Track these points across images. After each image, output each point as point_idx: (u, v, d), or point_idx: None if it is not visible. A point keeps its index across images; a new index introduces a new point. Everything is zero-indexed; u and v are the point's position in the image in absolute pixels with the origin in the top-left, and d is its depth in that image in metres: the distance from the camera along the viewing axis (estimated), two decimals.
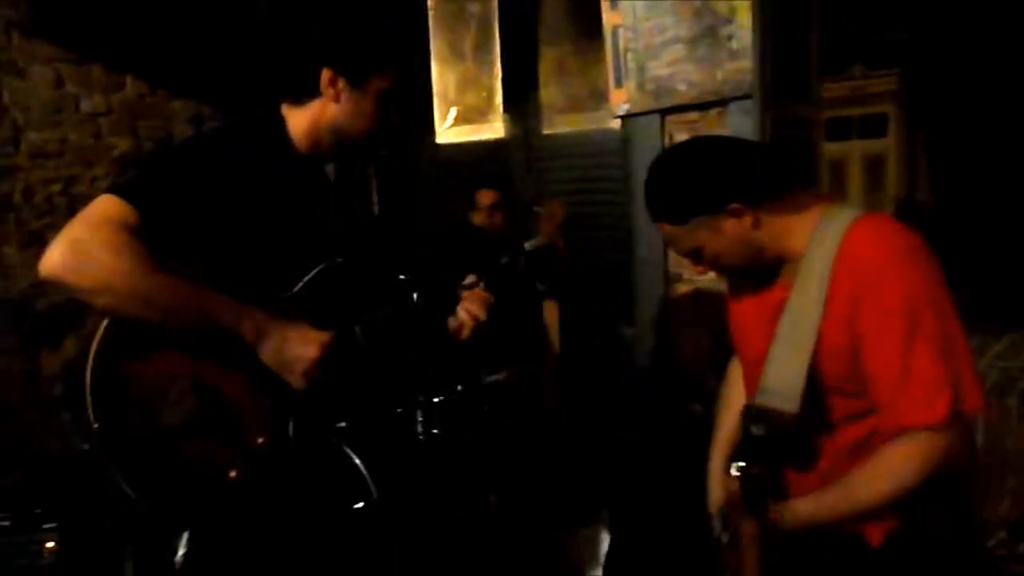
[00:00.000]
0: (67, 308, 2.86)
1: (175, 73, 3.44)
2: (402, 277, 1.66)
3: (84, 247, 1.28)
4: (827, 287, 1.32)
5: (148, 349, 1.34)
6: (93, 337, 1.31)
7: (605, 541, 2.51)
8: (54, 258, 1.28)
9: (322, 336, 1.41)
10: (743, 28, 2.54)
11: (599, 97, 3.35)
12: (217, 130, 1.77)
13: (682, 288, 2.86)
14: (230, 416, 1.38)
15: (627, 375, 3.09)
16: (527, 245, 1.75)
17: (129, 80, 3.36)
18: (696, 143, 1.58)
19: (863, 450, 1.35)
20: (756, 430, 1.31)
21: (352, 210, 1.70)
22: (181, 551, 1.50)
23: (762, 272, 1.45)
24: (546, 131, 3.75)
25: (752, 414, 1.34)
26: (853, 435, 1.37)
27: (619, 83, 2.86)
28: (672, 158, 1.49)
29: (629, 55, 2.81)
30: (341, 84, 1.46)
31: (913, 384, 1.25)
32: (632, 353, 3.07)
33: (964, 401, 1.25)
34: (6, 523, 2.30)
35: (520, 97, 3.77)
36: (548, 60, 3.72)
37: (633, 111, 2.85)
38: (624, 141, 3.03)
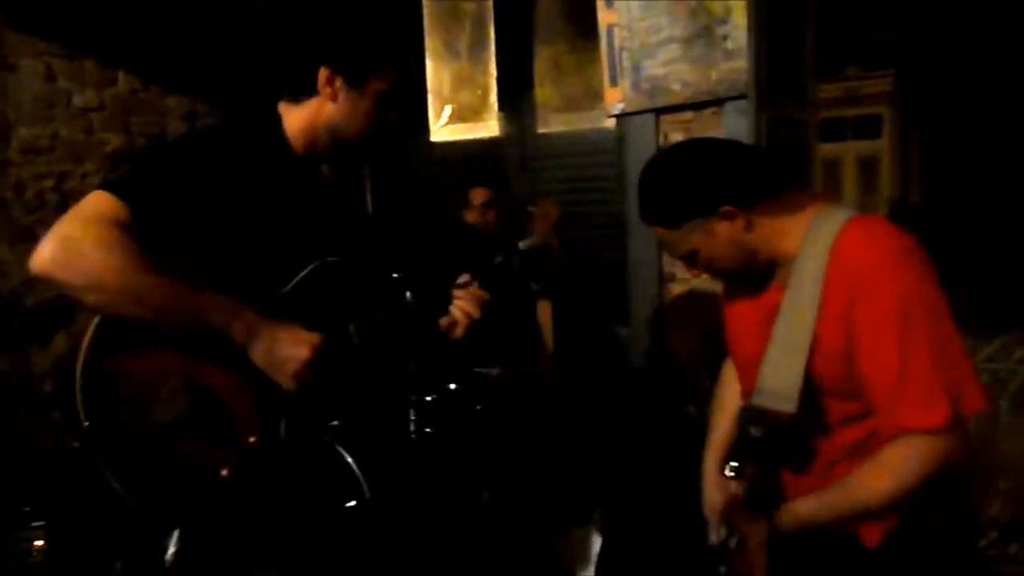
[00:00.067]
0: (57, 305, 2.84)
1: (169, 69, 3.42)
2: (396, 276, 1.66)
3: (75, 244, 1.27)
4: (821, 289, 1.31)
5: (139, 347, 1.33)
6: (84, 334, 1.30)
7: (597, 542, 2.50)
8: (45, 254, 1.27)
9: (313, 337, 1.40)
10: (738, 28, 2.55)
11: (594, 96, 3.35)
12: (211, 127, 1.76)
13: (676, 288, 2.86)
14: (222, 415, 1.37)
15: (621, 375, 3.09)
16: (521, 244, 1.75)
17: (122, 75, 3.34)
18: (687, 146, 1.58)
19: (861, 451, 1.35)
20: (754, 431, 1.31)
21: (346, 208, 1.69)
22: (171, 549, 1.49)
23: (756, 275, 1.45)
24: (541, 130, 3.75)
25: (750, 415, 1.33)
26: (851, 437, 1.37)
27: (614, 82, 2.86)
28: (663, 162, 1.49)
29: (624, 54, 2.80)
30: (339, 83, 1.45)
31: (910, 387, 1.24)
32: (626, 353, 3.07)
33: (964, 404, 1.25)
34: None
35: (515, 96, 3.77)
36: (543, 59, 3.72)
37: (628, 110, 2.85)
38: (619, 140, 3.03)
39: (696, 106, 2.71)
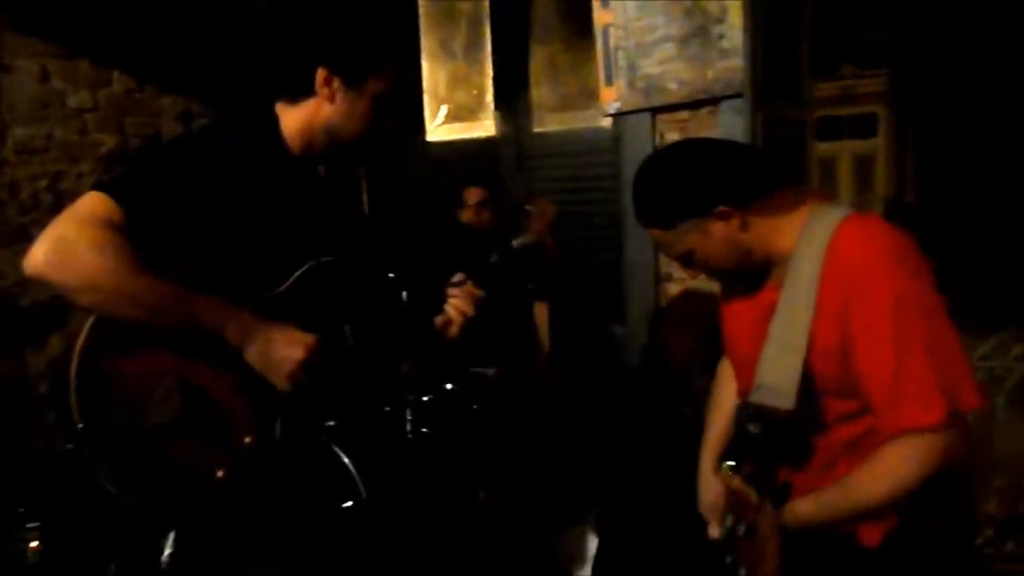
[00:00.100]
0: (52, 305, 2.83)
1: (163, 69, 3.41)
2: (392, 276, 1.65)
3: (69, 245, 1.27)
4: (817, 287, 1.32)
5: (133, 348, 1.32)
6: (78, 335, 1.29)
7: (592, 541, 2.50)
8: (38, 256, 1.27)
9: (308, 338, 1.40)
10: (734, 27, 2.55)
11: (590, 96, 3.35)
12: (207, 127, 1.75)
13: (672, 287, 2.86)
14: (217, 416, 1.37)
15: (617, 375, 3.09)
16: (515, 242, 1.75)
17: (116, 76, 3.33)
18: (681, 147, 1.58)
19: (858, 449, 1.35)
20: (752, 428, 1.31)
21: (342, 208, 1.69)
22: (167, 551, 1.49)
23: (752, 274, 1.45)
24: (537, 129, 3.75)
25: (747, 412, 1.33)
26: (847, 434, 1.37)
27: (610, 82, 2.86)
28: (657, 163, 1.49)
29: (620, 54, 2.80)
30: (336, 84, 1.45)
31: (906, 386, 1.24)
32: (622, 352, 3.07)
33: (960, 401, 1.25)
34: None
35: (511, 95, 3.77)
36: (539, 58, 3.72)
37: (624, 110, 2.85)
38: (615, 140, 3.03)
39: (692, 105, 2.71)
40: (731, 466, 1.40)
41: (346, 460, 1.62)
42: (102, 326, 1.30)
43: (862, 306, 1.27)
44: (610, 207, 3.12)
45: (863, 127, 5.22)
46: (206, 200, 1.36)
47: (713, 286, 1.68)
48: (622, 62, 2.80)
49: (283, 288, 1.45)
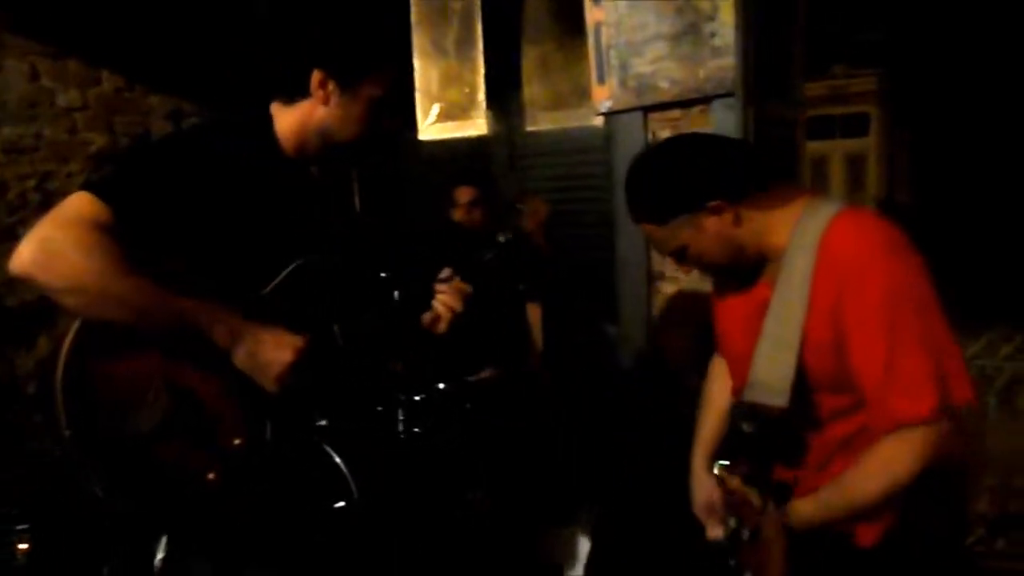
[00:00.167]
0: (40, 306, 2.81)
1: (153, 68, 3.39)
2: (383, 275, 1.65)
3: (55, 245, 1.25)
4: (810, 283, 1.31)
5: (121, 350, 1.31)
6: (64, 337, 1.28)
7: (584, 541, 2.50)
8: (24, 256, 1.25)
9: (297, 340, 1.39)
10: (726, 26, 2.54)
11: (582, 94, 3.34)
12: (198, 127, 1.74)
13: (665, 286, 2.86)
14: (205, 418, 1.36)
15: (611, 374, 3.08)
16: (500, 237, 1.74)
17: (106, 75, 3.30)
18: (673, 142, 1.58)
19: (851, 447, 1.35)
20: (746, 427, 1.30)
21: (334, 208, 1.68)
22: (160, 555, 1.48)
23: (746, 270, 1.45)
24: (529, 128, 3.75)
25: (741, 411, 1.33)
26: (841, 431, 1.37)
27: (602, 80, 2.85)
28: (650, 159, 1.48)
29: (612, 52, 2.80)
30: (331, 87, 1.44)
31: (899, 378, 1.24)
32: (615, 351, 3.07)
33: (953, 394, 1.25)
34: None
35: (503, 94, 3.76)
36: (531, 57, 3.71)
37: (616, 108, 2.85)
38: (607, 138, 3.03)
39: (684, 104, 2.71)
40: (724, 465, 1.40)
41: (338, 460, 1.61)
42: (89, 328, 1.29)
43: (855, 300, 1.27)
44: (602, 206, 3.12)
45: (855, 126, 5.23)
46: (196, 200, 1.35)
47: (706, 286, 1.67)
48: (614, 60, 2.80)
49: (270, 288, 1.44)
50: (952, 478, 1.37)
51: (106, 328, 1.29)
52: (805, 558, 1.35)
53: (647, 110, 2.78)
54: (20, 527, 2.26)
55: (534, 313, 3.03)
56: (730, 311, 1.54)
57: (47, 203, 2.97)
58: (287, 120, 1.48)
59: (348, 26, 1.45)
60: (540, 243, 2.93)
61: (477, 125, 3.81)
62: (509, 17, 3.71)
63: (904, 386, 1.24)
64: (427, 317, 1.60)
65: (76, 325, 1.29)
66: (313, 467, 1.56)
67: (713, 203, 1.36)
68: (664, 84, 2.70)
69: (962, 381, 1.26)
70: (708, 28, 2.58)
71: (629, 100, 2.80)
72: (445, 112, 3.85)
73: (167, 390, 1.33)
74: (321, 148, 1.49)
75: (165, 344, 1.33)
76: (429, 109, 3.86)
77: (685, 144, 1.51)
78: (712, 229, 1.38)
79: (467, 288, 1.60)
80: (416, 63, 3.82)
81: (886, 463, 1.27)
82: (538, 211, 2.94)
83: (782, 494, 1.34)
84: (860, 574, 1.37)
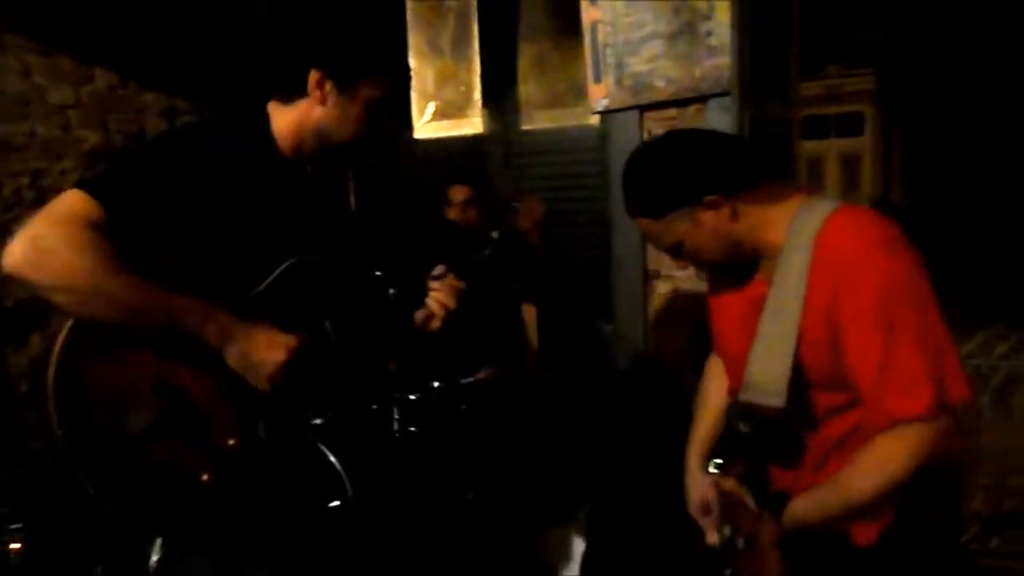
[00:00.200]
0: (33, 304, 2.80)
1: (146, 65, 3.37)
2: (378, 274, 1.64)
3: (46, 243, 1.24)
4: (806, 280, 1.31)
5: (113, 350, 1.30)
6: (56, 337, 1.27)
7: (579, 540, 2.50)
8: (16, 254, 1.24)
9: (289, 340, 1.38)
10: (722, 25, 2.55)
11: (578, 93, 3.34)
12: (193, 125, 1.74)
13: (660, 284, 2.86)
14: (198, 418, 1.35)
15: (606, 373, 3.08)
16: (493, 234, 1.74)
17: (99, 72, 3.28)
18: (670, 137, 1.57)
19: (847, 445, 1.34)
20: (743, 427, 1.30)
21: (330, 207, 1.67)
22: (154, 557, 1.47)
23: (742, 267, 1.45)
24: (525, 127, 3.74)
25: (738, 411, 1.33)
26: (837, 430, 1.37)
27: (598, 79, 2.85)
28: (647, 153, 1.48)
29: (608, 51, 2.80)
30: (328, 87, 1.43)
31: (894, 376, 1.24)
32: (610, 350, 3.07)
33: (950, 392, 1.24)
34: None
35: (499, 93, 3.76)
36: (527, 56, 3.71)
37: (612, 107, 2.84)
38: (603, 137, 3.03)
39: (680, 103, 2.71)
40: (719, 464, 1.39)
41: (333, 459, 1.60)
42: (82, 327, 1.28)
43: (851, 296, 1.27)
44: (598, 204, 3.12)
45: (849, 126, 5.25)
46: (190, 199, 1.35)
47: (702, 285, 1.67)
48: (610, 59, 2.80)
49: (263, 287, 1.43)
50: (949, 476, 1.37)
51: (99, 327, 1.28)
52: (802, 558, 1.35)
53: (643, 109, 2.78)
54: (13, 526, 2.25)
55: (529, 312, 3.03)
56: (726, 309, 1.53)
57: (41, 201, 2.94)
58: (284, 119, 1.47)
59: (347, 26, 1.45)
60: (536, 242, 2.92)
61: (473, 124, 3.80)
62: (505, 16, 3.70)
63: (900, 384, 1.24)
64: (420, 315, 1.59)
65: (69, 324, 1.28)
66: (307, 466, 1.55)
67: (710, 198, 1.35)
68: (660, 83, 2.70)
69: (959, 379, 1.26)
70: (704, 27, 2.58)
71: (625, 99, 2.80)
72: (441, 111, 3.85)
73: (160, 390, 1.32)
74: (318, 148, 1.48)
75: (158, 343, 1.33)
76: (425, 108, 3.85)
77: (682, 139, 1.51)
78: (708, 224, 1.38)
79: (460, 285, 1.60)
80: (412, 62, 3.81)
81: (882, 460, 1.27)
82: (534, 210, 2.94)
83: (778, 504, 1.34)
84: (857, 573, 1.37)
